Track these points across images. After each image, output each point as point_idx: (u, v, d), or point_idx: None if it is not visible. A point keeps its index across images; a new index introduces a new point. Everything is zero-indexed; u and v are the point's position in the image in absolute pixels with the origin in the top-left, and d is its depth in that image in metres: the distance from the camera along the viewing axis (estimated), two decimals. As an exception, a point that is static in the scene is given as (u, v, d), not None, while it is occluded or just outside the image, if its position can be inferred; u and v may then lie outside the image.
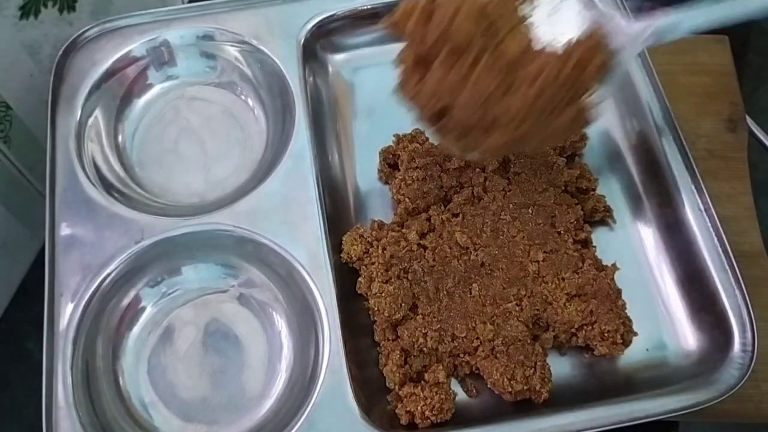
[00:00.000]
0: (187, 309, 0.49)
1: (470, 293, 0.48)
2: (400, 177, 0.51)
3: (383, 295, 0.46)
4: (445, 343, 0.45)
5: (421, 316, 0.46)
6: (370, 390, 0.45)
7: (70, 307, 0.46)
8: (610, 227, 0.52)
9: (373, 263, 0.47)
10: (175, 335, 0.48)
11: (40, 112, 0.53)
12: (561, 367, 0.47)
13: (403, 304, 0.46)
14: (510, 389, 0.44)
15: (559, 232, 0.50)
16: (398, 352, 0.46)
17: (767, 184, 0.59)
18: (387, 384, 0.46)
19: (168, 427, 0.46)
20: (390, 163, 0.54)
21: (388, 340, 0.47)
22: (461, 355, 0.46)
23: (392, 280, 0.47)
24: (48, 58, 0.55)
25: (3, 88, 0.53)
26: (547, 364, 0.46)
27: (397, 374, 0.45)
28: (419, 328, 0.45)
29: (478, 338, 0.46)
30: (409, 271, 0.47)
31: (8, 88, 0.54)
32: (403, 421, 0.44)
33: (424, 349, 0.45)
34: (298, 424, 0.43)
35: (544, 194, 0.50)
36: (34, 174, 0.57)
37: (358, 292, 0.48)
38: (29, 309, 0.46)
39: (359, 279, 0.48)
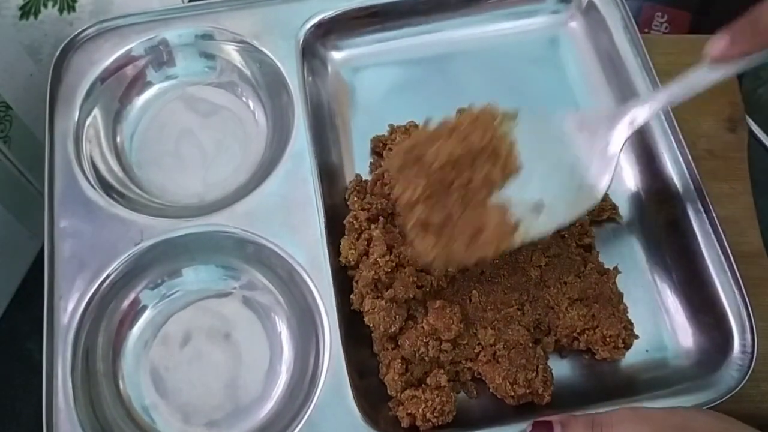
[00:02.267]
0: (187, 311, 0.49)
1: (470, 300, 0.47)
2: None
3: (376, 310, 0.45)
4: (447, 352, 0.45)
5: (421, 325, 0.46)
6: (371, 399, 0.45)
7: (69, 309, 0.46)
8: (608, 229, 0.52)
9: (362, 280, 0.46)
10: (175, 337, 0.48)
11: (39, 112, 0.53)
12: (561, 369, 0.47)
13: (397, 317, 0.45)
14: (512, 393, 0.44)
15: (563, 236, 0.50)
16: (399, 360, 0.45)
17: (767, 184, 0.59)
18: (388, 392, 0.45)
19: (168, 429, 0.45)
20: (379, 152, 0.54)
21: (387, 350, 0.46)
22: (463, 362, 0.46)
23: (384, 295, 0.46)
24: (48, 58, 0.54)
25: (3, 88, 0.53)
26: (549, 367, 0.46)
27: (399, 382, 0.45)
28: (420, 337, 0.45)
29: (479, 343, 0.46)
30: (398, 287, 0.46)
31: (8, 88, 0.53)
32: (405, 423, 0.44)
33: (426, 357, 0.45)
34: (299, 425, 0.43)
35: None
36: (34, 174, 0.57)
37: (352, 308, 0.47)
38: (29, 309, 0.46)
39: (351, 296, 0.47)
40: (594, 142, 0.46)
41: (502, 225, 0.42)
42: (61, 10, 0.55)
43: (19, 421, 0.45)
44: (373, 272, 0.45)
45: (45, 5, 0.53)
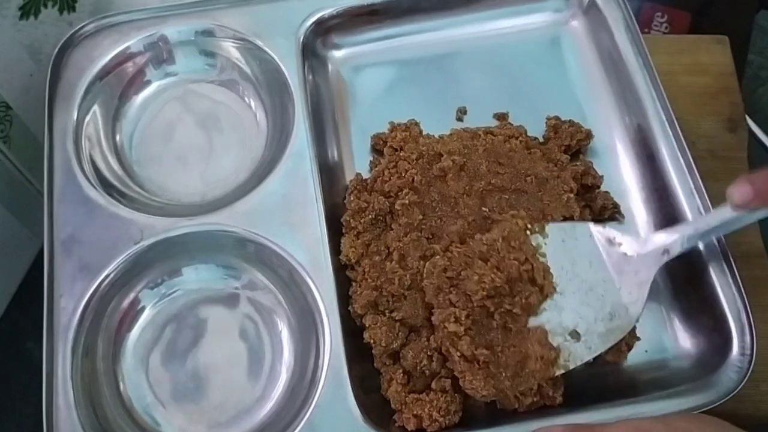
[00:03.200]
0: (186, 310, 0.49)
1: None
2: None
3: (378, 325, 0.45)
4: (449, 368, 0.45)
5: (425, 338, 0.45)
6: (376, 415, 0.44)
7: (69, 308, 0.46)
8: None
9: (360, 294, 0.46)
10: (175, 337, 0.48)
11: (40, 112, 0.53)
12: (561, 369, 0.47)
13: (400, 333, 0.45)
14: (518, 405, 0.44)
15: None
16: (401, 372, 0.45)
17: (767, 184, 0.59)
18: (392, 406, 0.45)
19: (169, 429, 0.46)
20: (379, 150, 0.54)
21: (388, 365, 0.46)
22: None
23: (385, 311, 0.46)
24: (48, 59, 0.54)
25: (3, 88, 0.53)
26: None
27: (402, 393, 0.44)
28: (424, 350, 0.44)
29: None
30: (401, 299, 0.46)
31: (8, 88, 0.53)
32: (411, 426, 0.44)
33: (427, 371, 0.45)
34: (300, 425, 0.43)
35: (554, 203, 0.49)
36: (34, 174, 0.57)
37: (353, 317, 0.47)
38: (29, 309, 0.46)
39: (349, 308, 0.47)
40: (626, 264, 0.45)
41: (546, 354, 0.43)
42: (61, 10, 0.55)
43: (19, 421, 0.44)
44: (379, 290, 0.45)
45: (45, 5, 0.53)
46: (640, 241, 0.46)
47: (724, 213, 0.44)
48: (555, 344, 0.43)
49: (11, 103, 0.53)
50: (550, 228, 0.46)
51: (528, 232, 0.45)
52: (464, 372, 0.42)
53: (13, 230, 0.56)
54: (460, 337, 0.42)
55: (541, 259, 0.45)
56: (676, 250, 0.45)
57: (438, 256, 0.45)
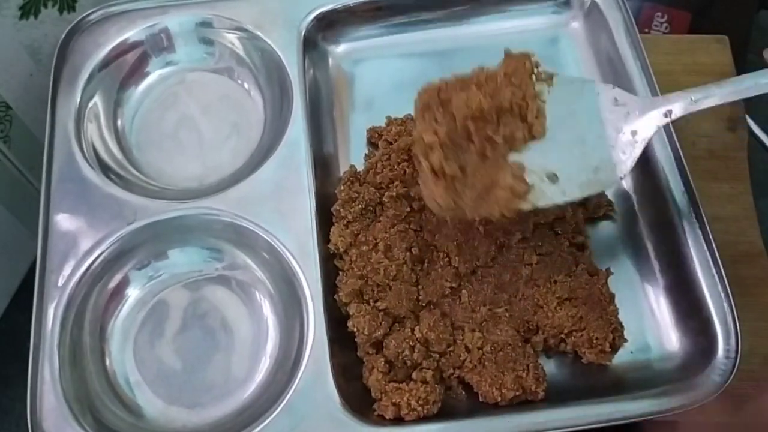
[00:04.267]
0: (174, 292, 0.49)
1: (459, 300, 0.47)
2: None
3: (361, 314, 0.45)
4: (432, 359, 0.45)
5: (409, 329, 0.45)
6: (357, 403, 0.45)
7: (60, 284, 0.47)
8: (601, 228, 0.52)
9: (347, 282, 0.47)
10: (161, 318, 0.49)
11: (40, 112, 0.53)
12: (547, 367, 0.47)
13: (383, 323, 0.45)
14: (500, 398, 0.44)
15: (556, 233, 0.50)
16: (382, 361, 0.45)
17: (767, 184, 0.58)
18: (372, 395, 0.45)
19: (151, 409, 0.46)
20: (374, 143, 0.55)
21: (371, 354, 0.46)
22: (450, 369, 0.46)
23: (369, 300, 0.46)
24: (48, 58, 0.55)
25: (3, 88, 0.53)
26: (540, 363, 0.46)
27: (382, 381, 0.45)
28: (407, 340, 0.45)
29: (466, 348, 0.46)
30: (385, 289, 0.46)
31: (8, 88, 0.54)
32: (389, 414, 0.44)
33: (408, 362, 0.45)
34: (278, 409, 0.43)
35: None
36: (34, 174, 0.58)
37: (339, 306, 0.47)
38: (29, 309, 0.46)
39: (334, 296, 0.47)
40: (625, 122, 0.45)
41: (515, 185, 0.42)
42: (61, 10, 0.55)
43: (19, 421, 0.45)
44: (365, 280, 0.46)
45: (45, 5, 0.54)
46: (644, 101, 0.46)
47: (741, 80, 0.44)
48: (530, 181, 0.42)
49: (11, 103, 0.54)
50: (558, 79, 0.45)
51: (534, 77, 0.44)
52: (427, 181, 0.41)
53: (13, 230, 0.57)
54: (432, 148, 0.41)
55: (539, 102, 0.44)
56: (678, 111, 0.45)
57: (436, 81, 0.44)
